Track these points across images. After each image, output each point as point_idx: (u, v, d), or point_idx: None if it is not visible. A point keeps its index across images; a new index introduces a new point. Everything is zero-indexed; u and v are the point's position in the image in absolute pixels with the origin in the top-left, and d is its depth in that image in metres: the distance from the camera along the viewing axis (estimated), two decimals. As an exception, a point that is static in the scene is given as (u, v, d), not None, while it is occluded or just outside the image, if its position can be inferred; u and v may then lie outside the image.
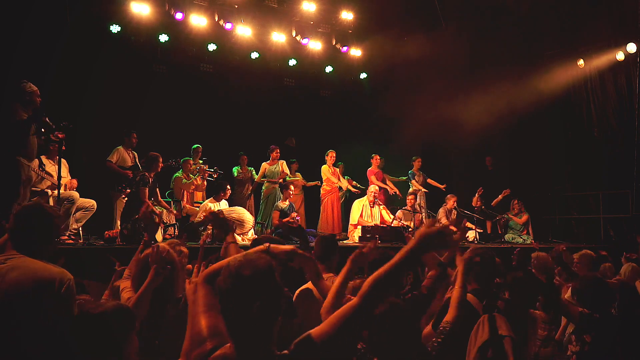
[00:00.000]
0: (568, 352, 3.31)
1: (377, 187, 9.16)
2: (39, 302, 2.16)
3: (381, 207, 9.02)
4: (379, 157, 9.88)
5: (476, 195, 9.68)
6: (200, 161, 8.58)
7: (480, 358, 2.53)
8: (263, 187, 9.18)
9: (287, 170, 9.21)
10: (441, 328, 2.36)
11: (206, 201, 7.63)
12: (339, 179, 9.48)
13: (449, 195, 9.76)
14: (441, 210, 9.63)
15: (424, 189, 9.81)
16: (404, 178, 10.11)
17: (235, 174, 9.19)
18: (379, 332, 2.11)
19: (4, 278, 2.21)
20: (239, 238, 6.83)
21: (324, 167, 9.39)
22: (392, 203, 9.66)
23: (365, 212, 8.88)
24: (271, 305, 1.59)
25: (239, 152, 9.43)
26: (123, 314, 1.99)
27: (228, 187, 7.74)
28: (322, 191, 9.44)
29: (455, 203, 9.61)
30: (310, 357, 1.54)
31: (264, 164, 9.15)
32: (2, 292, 2.16)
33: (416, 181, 9.90)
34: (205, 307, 1.70)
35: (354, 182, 9.85)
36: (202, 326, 1.65)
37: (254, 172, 9.33)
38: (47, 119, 5.37)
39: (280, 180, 8.92)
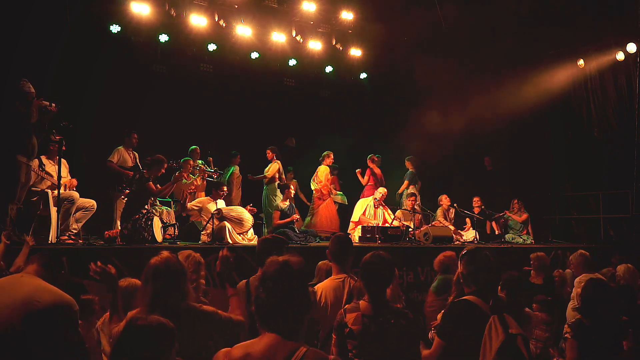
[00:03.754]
0: (563, 346, 3.31)
1: (385, 190, 9.08)
2: (52, 320, 2.38)
3: (382, 207, 9.01)
4: (375, 157, 9.87)
5: (475, 205, 9.72)
6: (200, 161, 8.58)
7: (499, 359, 2.54)
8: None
9: (270, 172, 9.08)
10: None
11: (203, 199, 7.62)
12: (335, 183, 9.46)
13: (441, 196, 9.74)
14: (439, 211, 9.64)
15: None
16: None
17: (233, 174, 9.19)
18: None
19: (23, 288, 2.43)
20: (239, 237, 6.85)
21: (322, 167, 9.37)
22: (392, 203, 9.65)
23: (369, 212, 8.87)
24: (307, 295, 1.85)
25: (234, 152, 9.42)
26: (166, 330, 2.03)
27: (224, 186, 7.77)
28: (315, 192, 9.40)
29: (449, 201, 9.60)
30: None
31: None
32: (18, 302, 2.36)
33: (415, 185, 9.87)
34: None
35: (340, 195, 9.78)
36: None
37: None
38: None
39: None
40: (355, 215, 8.90)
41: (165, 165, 6.74)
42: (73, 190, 6.44)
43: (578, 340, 3.08)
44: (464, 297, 2.85)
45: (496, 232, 9.72)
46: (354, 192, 10.02)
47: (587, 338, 3.07)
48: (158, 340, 1.96)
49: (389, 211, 9.06)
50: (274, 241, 3.57)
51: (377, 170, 9.81)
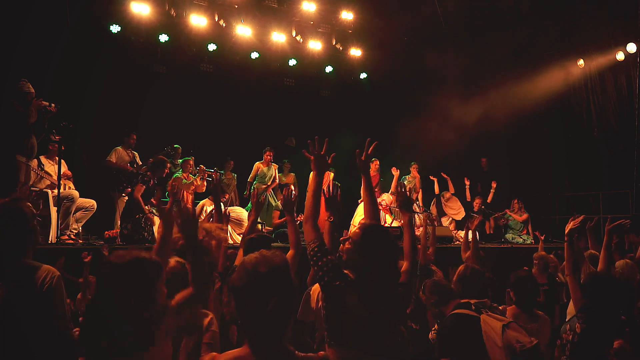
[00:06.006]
0: (563, 341, 3.28)
1: (392, 198, 9.04)
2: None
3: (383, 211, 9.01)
4: (378, 162, 9.83)
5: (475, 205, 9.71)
6: (180, 160, 8.59)
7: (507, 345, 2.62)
8: (252, 188, 9.14)
9: (277, 176, 9.11)
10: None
11: (202, 201, 7.62)
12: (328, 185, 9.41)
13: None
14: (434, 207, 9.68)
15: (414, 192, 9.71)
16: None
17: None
18: None
19: None
20: (239, 238, 6.85)
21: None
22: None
23: None
24: (286, 302, 1.62)
25: (227, 157, 9.46)
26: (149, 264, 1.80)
27: (227, 194, 7.82)
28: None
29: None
30: None
31: (257, 163, 9.09)
32: None
33: (408, 182, 9.85)
34: None
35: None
36: None
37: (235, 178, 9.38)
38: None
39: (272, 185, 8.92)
40: (356, 219, 8.86)
41: (169, 165, 6.75)
42: (69, 181, 6.43)
43: (586, 324, 3.08)
44: (451, 313, 2.91)
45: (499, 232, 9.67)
46: (354, 193, 10.00)
47: (594, 324, 3.06)
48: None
49: (391, 214, 9.06)
50: (258, 240, 3.53)
51: (372, 173, 9.79)
